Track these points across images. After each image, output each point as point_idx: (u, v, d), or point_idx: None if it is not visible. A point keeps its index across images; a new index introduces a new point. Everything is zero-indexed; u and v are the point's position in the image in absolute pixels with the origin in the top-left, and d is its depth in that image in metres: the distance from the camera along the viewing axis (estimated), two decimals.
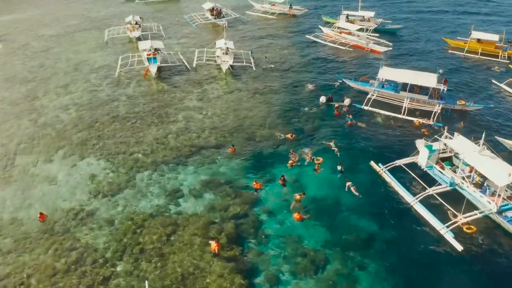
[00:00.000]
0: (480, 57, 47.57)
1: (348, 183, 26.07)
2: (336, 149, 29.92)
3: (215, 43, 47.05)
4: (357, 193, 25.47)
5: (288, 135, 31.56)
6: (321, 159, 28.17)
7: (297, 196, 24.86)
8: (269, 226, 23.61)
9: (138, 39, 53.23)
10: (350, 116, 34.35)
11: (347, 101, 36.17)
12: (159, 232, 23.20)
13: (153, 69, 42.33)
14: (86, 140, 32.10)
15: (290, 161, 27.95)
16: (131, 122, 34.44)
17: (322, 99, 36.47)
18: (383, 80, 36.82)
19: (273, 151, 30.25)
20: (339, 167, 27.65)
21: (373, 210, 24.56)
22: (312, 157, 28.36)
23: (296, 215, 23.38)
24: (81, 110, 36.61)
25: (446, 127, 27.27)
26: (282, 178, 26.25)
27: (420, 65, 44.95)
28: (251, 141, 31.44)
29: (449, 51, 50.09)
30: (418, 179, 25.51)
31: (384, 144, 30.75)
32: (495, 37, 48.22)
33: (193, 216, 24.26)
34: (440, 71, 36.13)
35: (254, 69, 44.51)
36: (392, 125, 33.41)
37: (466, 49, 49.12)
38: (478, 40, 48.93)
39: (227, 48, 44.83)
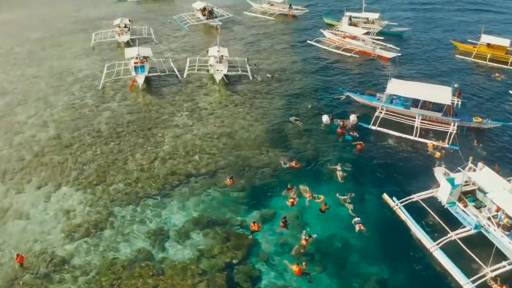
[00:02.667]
0: (488, 63, 44.33)
1: (355, 220, 22.97)
2: (340, 172, 26.84)
3: (207, 50, 43.44)
4: (363, 229, 22.50)
5: (292, 163, 27.88)
6: (322, 197, 24.56)
7: (303, 242, 21.62)
8: (267, 277, 20.45)
9: (127, 43, 49.76)
10: (356, 134, 31.27)
11: (352, 118, 32.65)
12: (141, 285, 20.08)
13: (140, 79, 38.76)
14: (63, 165, 28.79)
15: (291, 200, 24.38)
16: (113, 143, 31.06)
17: (326, 119, 32.68)
18: (391, 94, 33.44)
19: (273, 181, 26.78)
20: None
21: (386, 255, 21.46)
22: (314, 195, 24.77)
23: (295, 268, 20.12)
24: (60, 129, 33.21)
25: (470, 157, 24.06)
26: (283, 220, 22.72)
27: (426, 73, 41.78)
28: (247, 168, 28.03)
29: (457, 55, 46.85)
30: (438, 219, 22.29)
31: (396, 172, 27.50)
32: (506, 42, 44.96)
33: (179, 265, 21.05)
34: (456, 85, 32.74)
35: (251, 78, 41.02)
36: (404, 148, 30.07)
37: (474, 53, 45.92)
38: (488, 45, 45.74)
39: (221, 56, 41.28)
